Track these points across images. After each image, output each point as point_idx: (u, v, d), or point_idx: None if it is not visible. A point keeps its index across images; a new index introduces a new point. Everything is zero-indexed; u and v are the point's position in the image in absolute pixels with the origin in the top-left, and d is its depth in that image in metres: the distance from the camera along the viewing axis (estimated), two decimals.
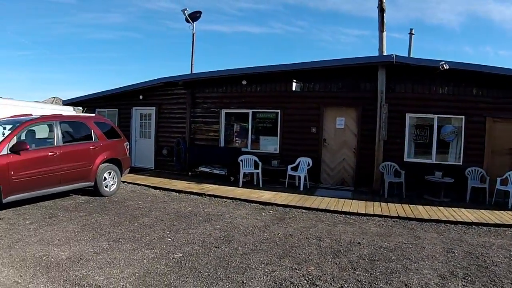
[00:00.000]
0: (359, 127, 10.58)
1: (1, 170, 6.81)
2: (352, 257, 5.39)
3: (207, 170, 12.26)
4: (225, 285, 4.37)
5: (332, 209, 8.24)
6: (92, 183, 8.83)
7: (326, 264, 5.11)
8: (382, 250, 5.71)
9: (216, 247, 5.74)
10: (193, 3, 67.77)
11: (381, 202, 8.92)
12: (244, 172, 11.08)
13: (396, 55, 9.32)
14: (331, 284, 4.44)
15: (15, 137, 7.22)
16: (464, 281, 4.59)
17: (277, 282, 4.46)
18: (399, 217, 7.69)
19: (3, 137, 7.21)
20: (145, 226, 6.74)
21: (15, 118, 8.19)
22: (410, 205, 8.58)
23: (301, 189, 10.28)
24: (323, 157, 11.06)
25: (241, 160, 11.05)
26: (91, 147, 8.75)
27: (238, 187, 10.67)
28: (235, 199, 9.27)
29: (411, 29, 17.87)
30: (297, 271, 4.84)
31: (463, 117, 9.79)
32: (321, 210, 8.26)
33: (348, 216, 7.91)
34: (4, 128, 7.77)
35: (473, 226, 7.23)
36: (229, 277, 4.60)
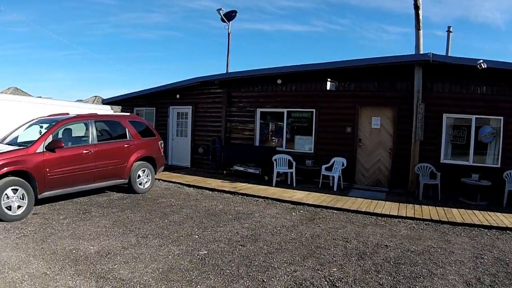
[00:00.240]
0: (395, 127, 10.37)
1: (36, 167, 7.18)
2: (377, 259, 5.33)
3: (241, 169, 12.40)
4: (245, 283, 4.46)
5: (363, 210, 8.14)
6: (126, 181, 9.16)
7: (350, 266, 5.08)
8: (409, 254, 5.61)
9: (241, 245, 5.84)
10: (235, 2, 68.27)
11: (414, 204, 8.72)
12: (278, 172, 11.13)
13: (432, 53, 9.06)
14: (351, 286, 4.43)
15: (50, 136, 7.59)
16: None
17: (297, 282, 4.50)
18: (431, 220, 7.49)
19: (40, 136, 7.61)
20: (174, 223, 6.94)
21: (52, 117, 8.61)
22: (444, 208, 8.33)
23: (335, 189, 10.20)
24: (358, 157, 10.92)
25: (275, 160, 11.10)
26: (125, 145, 9.07)
27: (271, 186, 10.73)
28: (267, 198, 9.34)
29: (448, 27, 17.28)
30: (319, 272, 4.85)
31: (501, 118, 9.38)
32: (352, 211, 8.18)
33: (380, 218, 7.79)
34: (41, 127, 8.18)
35: (508, 232, 6.93)
36: (250, 275, 4.69)
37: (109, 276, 4.53)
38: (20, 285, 4.22)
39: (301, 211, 8.26)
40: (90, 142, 8.36)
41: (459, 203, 8.84)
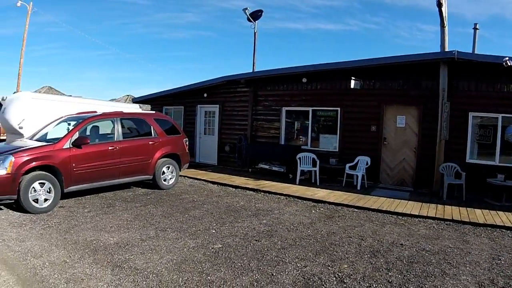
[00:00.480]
0: (420, 126, 10.22)
1: (63, 162, 7.56)
2: (390, 258, 5.34)
3: (266, 167, 12.52)
4: (254, 275, 4.59)
5: (384, 209, 8.10)
6: (151, 177, 9.46)
7: (361, 263, 5.12)
8: (424, 253, 5.58)
9: (256, 240, 5.97)
10: (267, 1, 68.33)
11: (438, 204, 8.59)
12: (302, 170, 11.19)
13: (457, 51, 8.88)
14: (359, 283, 4.47)
15: (77, 132, 7.97)
16: None
17: (305, 277, 4.59)
18: (452, 220, 7.38)
19: (66, 132, 7.99)
20: (194, 218, 7.15)
21: (79, 115, 9.00)
22: (468, 209, 8.17)
23: (358, 188, 10.16)
24: (382, 156, 10.83)
25: (299, 158, 11.16)
26: (150, 143, 9.37)
27: (295, 184, 10.80)
28: (289, 196, 9.42)
29: (475, 24, 16.79)
30: (329, 268, 4.92)
31: None
32: (373, 210, 8.15)
33: (400, 217, 7.73)
34: (69, 124, 8.57)
35: None
36: (260, 269, 4.81)
37: (124, 265, 4.78)
38: (40, 271, 4.52)
39: (321, 209, 8.31)
40: (115, 139, 8.70)
41: (483, 204, 8.65)
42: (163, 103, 16.50)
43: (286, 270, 4.78)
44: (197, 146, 15.35)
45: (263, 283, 4.41)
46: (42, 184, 7.18)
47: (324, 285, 4.39)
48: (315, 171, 11.00)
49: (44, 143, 7.78)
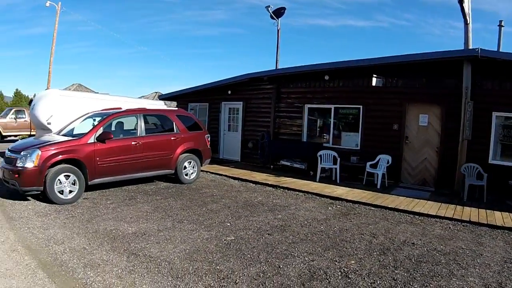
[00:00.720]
0: (443, 125, 10.08)
1: (87, 156, 7.93)
2: (399, 256, 5.38)
3: (288, 163, 12.63)
4: (261, 267, 4.77)
5: (401, 208, 8.09)
6: (173, 171, 9.75)
7: (369, 260, 5.19)
8: (434, 253, 5.58)
9: (268, 234, 6.13)
10: None
11: (457, 205, 8.48)
12: (323, 168, 11.24)
13: (481, 48, 8.69)
14: (363, 279, 4.55)
15: (101, 128, 8.32)
16: None
17: (311, 271, 4.71)
18: (470, 222, 7.29)
19: (91, 128, 8.34)
20: (211, 211, 7.36)
21: (104, 111, 9.35)
22: (487, 210, 8.04)
23: (378, 187, 10.14)
24: (404, 155, 10.76)
25: (320, 155, 11.22)
26: (172, 138, 9.65)
27: (315, 181, 10.86)
28: (307, 192, 9.51)
29: (500, 21, 16.27)
30: (336, 263, 5.02)
31: None
32: (390, 209, 8.15)
33: (417, 216, 7.70)
34: (94, 120, 8.95)
35: None
36: (268, 261, 4.97)
37: (139, 253, 5.05)
38: (61, 256, 4.85)
39: (338, 206, 8.37)
40: (138, 134, 9.03)
41: (505, 206, 8.47)
42: (188, 99, 16.84)
43: (294, 263, 4.92)
44: (221, 142, 15.61)
45: (269, 274, 4.57)
46: (67, 177, 7.57)
47: (328, 279, 4.50)
48: (336, 168, 11.03)
49: (70, 138, 8.19)
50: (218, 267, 4.72)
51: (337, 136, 12.23)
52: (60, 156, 7.52)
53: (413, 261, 5.22)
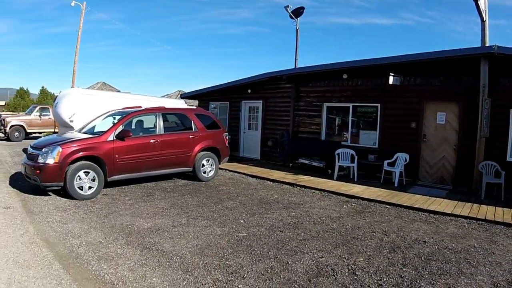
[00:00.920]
0: (461, 123, 9.97)
1: (107, 154, 8.21)
2: (409, 254, 5.42)
3: (306, 162, 12.70)
4: (270, 263, 4.91)
5: (416, 206, 8.07)
6: (191, 169, 9.97)
7: (378, 257, 5.25)
8: (445, 251, 5.58)
9: (280, 231, 6.25)
10: None
11: (474, 203, 8.40)
12: (341, 166, 11.28)
13: (497, 45, 8.56)
14: (370, 276, 4.63)
15: (121, 126, 8.59)
16: None
17: (319, 267, 4.82)
18: (485, 220, 7.22)
19: (111, 126, 8.62)
20: (226, 208, 7.54)
21: (124, 110, 9.63)
22: (504, 209, 7.93)
23: (396, 185, 10.12)
24: (422, 153, 10.69)
25: (338, 154, 11.25)
26: (190, 136, 9.87)
27: (332, 180, 10.91)
28: (324, 190, 9.57)
29: None
30: (344, 260, 5.11)
31: None
32: (405, 207, 8.14)
33: (432, 215, 7.67)
34: (114, 118, 9.22)
35: None
36: (277, 257, 5.11)
37: (153, 247, 5.28)
38: (77, 249, 5.12)
39: (353, 204, 8.42)
40: (157, 133, 9.27)
41: None
42: (209, 98, 17.09)
43: (302, 260, 5.04)
44: (241, 140, 15.80)
45: (277, 270, 4.70)
46: (87, 173, 7.88)
47: (335, 275, 4.60)
48: (353, 167, 11.05)
49: (90, 136, 8.51)
50: (227, 262, 4.88)
51: (355, 134, 12.24)
52: (80, 153, 7.83)
53: (422, 259, 5.25)
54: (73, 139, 8.14)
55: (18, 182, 9.03)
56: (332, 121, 13.07)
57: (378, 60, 10.86)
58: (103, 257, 4.91)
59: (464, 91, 9.87)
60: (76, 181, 7.73)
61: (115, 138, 8.38)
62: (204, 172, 10.25)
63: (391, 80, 10.69)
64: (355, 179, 10.87)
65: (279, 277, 4.49)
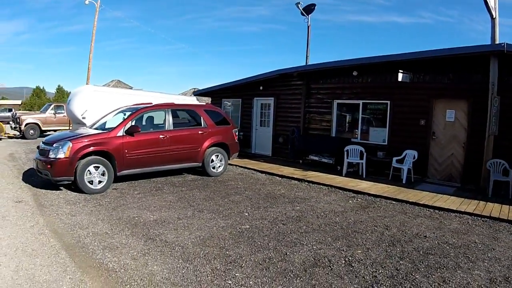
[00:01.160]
0: (470, 121, 9.91)
1: (116, 149, 8.42)
2: (408, 248, 5.48)
3: (316, 158, 12.78)
4: (269, 253, 5.05)
5: (421, 203, 8.10)
6: (200, 164, 10.15)
7: (376, 250, 5.34)
8: (445, 246, 5.63)
9: (283, 224, 6.39)
10: None
11: (481, 200, 8.37)
12: (351, 162, 11.34)
13: (507, 43, 8.49)
14: (366, 268, 4.73)
15: (130, 122, 8.80)
16: None
17: (316, 258, 4.94)
18: (490, 217, 7.22)
19: (120, 122, 8.84)
20: (232, 202, 7.69)
21: (134, 106, 9.85)
22: (511, 207, 7.90)
23: (404, 182, 10.13)
24: (431, 151, 10.66)
25: (347, 150, 11.31)
26: (199, 132, 10.03)
27: (341, 176, 10.99)
28: (331, 186, 9.66)
29: None
30: (342, 252, 5.21)
31: None
32: (410, 203, 8.18)
33: (436, 211, 7.69)
34: (124, 115, 9.44)
35: None
36: (276, 248, 5.25)
37: (157, 238, 5.47)
38: (83, 240, 5.34)
39: (359, 199, 8.49)
40: (166, 128, 9.46)
41: None
42: (222, 95, 17.27)
43: (301, 251, 5.16)
44: (253, 137, 15.93)
45: (274, 260, 4.84)
46: (96, 168, 8.12)
47: (331, 266, 4.72)
48: (362, 163, 11.10)
49: (100, 131, 8.73)
50: (227, 252, 5.04)
51: (365, 131, 12.26)
52: (90, 148, 8.06)
53: (421, 253, 5.31)
54: (83, 135, 8.39)
55: (31, 177, 9.32)
56: (343, 118, 13.11)
57: (387, 57, 10.86)
58: (108, 246, 5.11)
59: (473, 89, 9.81)
60: (86, 175, 7.96)
61: (124, 134, 8.58)
62: (213, 168, 10.42)
63: (400, 77, 10.69)
64: (364, 176, 10.92)
65: (276, 267, 4.63)
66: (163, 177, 10.02)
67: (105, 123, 9.64)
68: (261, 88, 15.33)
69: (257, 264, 4.69)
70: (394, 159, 10.59)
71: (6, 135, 20.03)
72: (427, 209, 7.84)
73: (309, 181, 10.17)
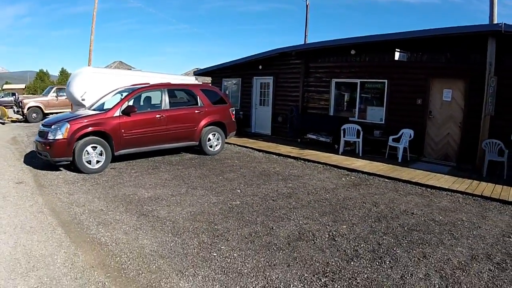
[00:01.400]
0: (467, 101, 9.90)
1: (113, 129, 8.54)
2: (393, 224, 5.58)
3: (314, 137, 12.85)
4: (256, 228, 5.20)
5: (414, 181, 8.17)
6: (197, 143, 10.28)
7: (361, 226, 5.45)
8: (431, 223, 5.71)
9: (273, 200, 6.52)
10: None
11: (474, 180, 8.40)
12: (348, 141, 11.41)
13: (505, 23, 8.42)
14: (349, 242, 4.85)
15: (126, 102, 8.90)
16: (494, 266, 4.31)
17: (301, 232, 5.08)
18: (481, 196, 7.26)
19: (117, 102, 8.94)
20: (226, 180, 7.83)
21: (131, 87, 9.91)
22: (504, 186, 7.91)
23: (400, 160, 10.20)
24: (427, 130, 10.69)
25: (343, 129, 11.37)
26: (196, 111, 10.12)
27: (337, 154, 11.07)
28: (326, 164, 9.75)
29: None
30: (327, 227, 5.34)
31: None
32: (403, 181, 8.24)
33: (428, 189, 7.75)
34: (122, 95, 9.51)
35: None
36: (264, 223, 5.39)
37: (149, 214, 5.65)
38: (79, 217, 5.54)
39: (352, 177, 8.58)
40: (162, 108, 9.56)
41: None
42: (222, 75, 17.28)
43: (287, 226, 5.30)
44: (253, 116, 15.99)
45: (260, 234, 4.98)
46: (94, 148, 8.27)
47: (314, 240, 4.85)
48: (359, 142, 11.15)
49: (98, 112, 8.85)
50: (216, 226, 5.18)
51: (363, 110, 12.28)
52: (89, 129, 8.20)
53: (405, 229, 5.41)
54: (81, 116, 8.53)
55: (32, 159, 9.46)
56: (341, 97, 13.12)
57: (384, 36, 10.80)
58: (102, 222, 5.28)
59: (471, 69, 9.76)
60: (84, 155, 8.11)
61: (121, 114, 8.70)
62: (211, 146, 10.53)
63: (396, 56, 10.66)
64: (360, 154, 11.00)
65: (260, 240, 4.76)
66: (161, 156, 10.15)
67: (103, 104, 9.72)
68: (260, 67, 15.31)
69: (243, 238, 4.83)
70: (391, 138, 10.63)
71: (9, 119, 20.16)
72: (419, 187, 7.91)
73: (304, 159, 10.26)
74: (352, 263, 4.26)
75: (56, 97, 20.69)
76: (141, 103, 9.61)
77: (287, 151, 11.38)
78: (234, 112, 11.29)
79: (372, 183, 8.08)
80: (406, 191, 7.59)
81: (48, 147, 7.94)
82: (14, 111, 21.17)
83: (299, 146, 12.48)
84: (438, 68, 10.43)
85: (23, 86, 51.04)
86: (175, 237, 4.80)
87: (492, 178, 8.70)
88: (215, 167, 9.07)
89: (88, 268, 3.98)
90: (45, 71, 58.40)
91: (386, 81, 11.48)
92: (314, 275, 3.94)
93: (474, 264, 4.36)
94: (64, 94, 19.94)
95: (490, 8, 10.07)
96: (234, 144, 12.42)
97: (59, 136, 7.90)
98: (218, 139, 10.66)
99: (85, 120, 8.29)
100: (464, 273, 4.12)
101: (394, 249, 4.68)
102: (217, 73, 17.50)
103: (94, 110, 9.35)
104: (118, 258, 4.21)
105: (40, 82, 54.05)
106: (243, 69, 16.03)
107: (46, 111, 20.17)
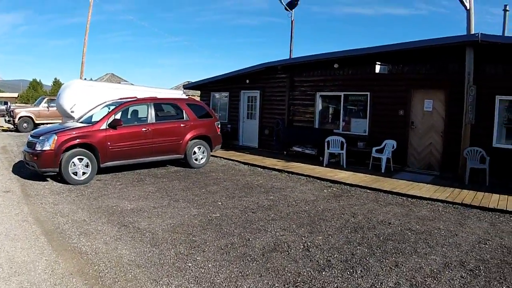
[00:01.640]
0: (447, 110, 10.08)
1: (100, 141, 8.67)
2: (369, 234, 5.63)
3: (299, 149, 12.94)
4: (232, 239, 5.25)
5: (396, 191, 8.25)
6: (182, 156, 10.38)
7: (337, 236, 5.50)
8: (407, 232, 5.75)
9: (253, 212, 6.58)
10: None
11: (456, 188, 8.50)
12: (332, 153, 11.50)
13: (481, 33, 8.62)
14: (323, 252, 4.89)
15: (113, 116, 9.03)
16: (466, 273, 4.34)
17: (276, 244, 5.12)
18: (462, 204, 7.34)
19: (104, 115, 9.05)
20: (209, 192, 7.89)
21: (119, 100, 10.04)
22: (485, 193, 8.03)
23: (383, 171, 10.30)
24: (410, 140, 10.84)
25: (327, 141, 11.47)
26: (181, 125, 10.25)
27: (322, 166, 11.15)
28: (310, 176, 9.82)
29: (505, 5, 15.68)
30: (303, 238, 5.38)
31: None
32: (385, 192, 8.32)
33: (409, 199, 7.83)
34: (109, 108, 9.61)
35: None
36: (241, 234, 5.44)
37: (130, 225, 5.74)
38: (62, 226, 5.63)
39: (334, 189, 8.65)
40: (148, 121, 9.69)
41: (506, 190, 8.36)
42: (211, 89, 17.43)
43: (263, 237, 5.34)
44: (241, 129, 16.09)
45: (236, 245, 5.03)
46: (80, 159, 8.37)
47: (289, 251, 4.89)
48: (342, 154, 11.25)
49: (85, 124, 9.00)
50: (194, 238, 5.24)
51: (347, 122, 12.43)
52: (75, 141, 8.34)
53: (381, 239, 5.46)
54: (68, 128, 8.69)
55: (20, 169, 9.55)
56: (325, 110, 13.28)
57: (366, 50, 10.99)
58: (83, 232, 5.37)
59: (450, 79, 9.95)
60: (71, 167, 8.22)
61: (107, 127, 8.83)
62: (196, 159, 10.60)
63: (377, 69, 10.85)
64: (344, 166, 11.08)
65: (236, 251, 4.81)
66: (147, 168, 10.21)
67: (91, 116, 9.83)
68: (247, 81, 15.47)
69: (219, 249, 4.87)
70: (374, 149, 10.75)
71: (0, 128, 20.17)
72: (400, 197, 8.00)
73: (289, 172, 10.33)
74: (323, 273, 4.30)
75: (47, 107, 20.72)
76: (128, 117, 9.73)
77: (273, 163, 11.45)
78: (219, 126, 11.38)
79: (353, 194, 8.15)
80: (387, 201, 7.66)
81: (35, 158, 8.06)
82: (5, 120, 21.20)
83: (285, 158, 12.55)
84: (419, 79, 10.63)
85: (16, 94, 50.85)
86: (153, 248, 4.85)
87: (474, 185, 8.82)
88: (199, 180, 9.13)
89: (67, 275, 4.06)
90: (38, 80, 58.30)
91: (368, 93, 11.66)
92: (284, 285, 3.98)
93: (447, 272, 4.40)
94: (55, 105, 20.03)
95: (467, 18, 10.29)
96: (220, 157, 12.48)
97: (47, 147, 8.02)
98: (203, 152, 10.74)
99: (73, 132, 8.44)
100: (435, 281, 4.16)
101: (367, 258, 4.73)
102: (207, 86, 17.64)
103: (82, 122, 9.46)
104: (97, 267, 4.28)
105: (33, 92, 53.89)
106: (232, 83, 16.19)
107: (37, 121, 20.22)
